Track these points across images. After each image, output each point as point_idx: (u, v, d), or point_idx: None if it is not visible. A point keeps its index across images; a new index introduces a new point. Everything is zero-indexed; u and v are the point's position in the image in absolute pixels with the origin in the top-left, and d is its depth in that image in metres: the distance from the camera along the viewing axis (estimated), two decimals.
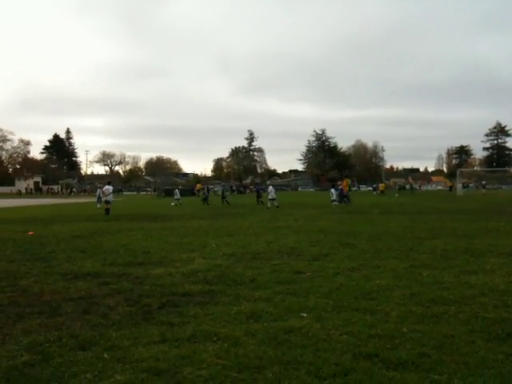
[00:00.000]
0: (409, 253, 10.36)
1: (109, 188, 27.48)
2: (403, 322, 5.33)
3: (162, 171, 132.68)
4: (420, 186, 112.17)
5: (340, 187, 36.15)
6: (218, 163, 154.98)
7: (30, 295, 6.88)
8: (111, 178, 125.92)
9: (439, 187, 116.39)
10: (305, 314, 5.68)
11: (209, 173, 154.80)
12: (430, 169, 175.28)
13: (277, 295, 6.62)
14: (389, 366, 4.13)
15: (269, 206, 30.36)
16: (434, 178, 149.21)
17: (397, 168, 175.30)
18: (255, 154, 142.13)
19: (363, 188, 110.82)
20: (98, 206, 32.16)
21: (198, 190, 70.55)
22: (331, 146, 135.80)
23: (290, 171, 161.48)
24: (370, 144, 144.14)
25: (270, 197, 30.91)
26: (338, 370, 4.04)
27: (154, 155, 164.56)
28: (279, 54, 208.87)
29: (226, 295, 6.68)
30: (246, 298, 6.52)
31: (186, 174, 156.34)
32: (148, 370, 4.03)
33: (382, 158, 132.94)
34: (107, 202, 26.87)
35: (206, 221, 20.58)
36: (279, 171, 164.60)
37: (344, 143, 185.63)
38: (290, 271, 8.40)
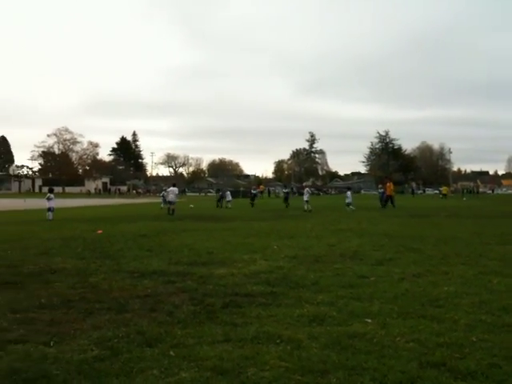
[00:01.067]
0: (478, 259, 9.98)
1: (174, 189, 28.25)
2: (472, 331, 5.13)
3: (223, 173, 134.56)
4: (493, 190, 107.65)
5: (381, 190, 35.44)
6: (279, 165, 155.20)
7: (99, 292, 7.14)
8: (175, 179, 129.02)
9: (510, 191, 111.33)
10: (369, 320, 5.58)
11: (270, 174, 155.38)
12: (500, 172, 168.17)
13: (340, 299, 6.54)
14: (457, 376, 3.99)
15: (305, 208, 29.88)
16: (504, 182, 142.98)
17: (465, 171, 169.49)
18: (316, 155, 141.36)
19: (429, 191, 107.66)
20: (162, 206, 33.02)
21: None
22: (395, 147, 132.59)
23: (353, 173, 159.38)
24: (435, 146, 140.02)
25: (305, 198, 30.57)
26: (403, 378, 3.94)
27: (216, 157, 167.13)
28: (340, 54, 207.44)
29: (288, 297, 6.67)
30: (308, 300, 6.48)
31: (248, 176, 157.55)
32: (212, 369, 4.08)
33: (448, 161, 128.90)
34: (170, 202, 27.59)
35: (267, 222, 20.65)
36: (341, 173, 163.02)
37: (408, 145, 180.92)
38: (353, 275, 8.28)
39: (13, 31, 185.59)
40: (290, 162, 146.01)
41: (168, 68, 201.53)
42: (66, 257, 10.52)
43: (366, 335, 5.00)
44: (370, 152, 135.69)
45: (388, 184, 34.92)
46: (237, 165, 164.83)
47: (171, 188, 29.04)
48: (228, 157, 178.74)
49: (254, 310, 6.02)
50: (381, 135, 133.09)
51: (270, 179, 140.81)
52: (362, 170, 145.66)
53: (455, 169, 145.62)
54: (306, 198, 30.68)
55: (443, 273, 8.49)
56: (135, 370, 4.08)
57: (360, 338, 4.93)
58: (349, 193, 30.95)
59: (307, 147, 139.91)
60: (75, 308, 6.17)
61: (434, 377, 3.97)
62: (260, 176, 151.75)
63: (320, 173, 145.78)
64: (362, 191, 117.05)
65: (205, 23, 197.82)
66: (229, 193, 41.60)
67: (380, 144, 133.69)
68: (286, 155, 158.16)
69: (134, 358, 4.36)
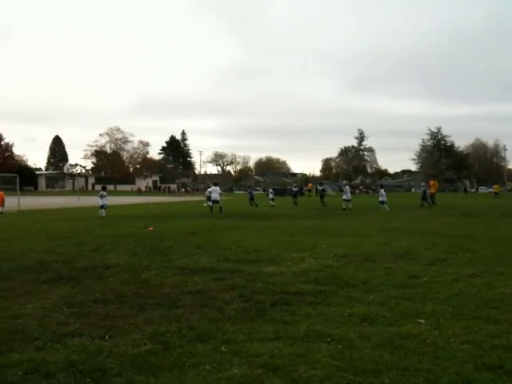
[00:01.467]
0: None
1: (216, 188, 28.67)
2: None
3: (270, 171, 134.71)
4: None
5: (423, 188, 34.47)
6: (327, 163, 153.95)
7: (151, 287, 7.29)
8: (223, 177, 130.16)
9: None
10: (422, 321, 5.46)
11: (317, 173, 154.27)
12: None
13: (391, 299, 6.43)
14: None
15: (343, 206, 29.04)
16: None
17: None
18: (365, 153, 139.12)
19: (483, 189, 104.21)
20: (205, 204, 33.49)
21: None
22: (447, 144, 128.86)
23: (403, 171, 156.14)
24: (490, 143, 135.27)
25: (344, 197, 29.46)
26: (458, 380, 3.84)
27: (263, 155, 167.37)
28: (387, 50, 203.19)
29: (338, 296, 6.61)
30: (358, 300, 6.40)
31: (295, 174, 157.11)
32: (264, 366, 4.10)
33: (503, 158, 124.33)
34: (214, 201, 28.00)
35: (314, 221, 20.54)
36: (391, 171, 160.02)
37: (461, 142, 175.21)
38: (404, 275, 8.12)
39: (68, 35, 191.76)
40: (338, 159, 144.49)
41: (216, 67, 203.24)
42: (119, 253, 10.80)
43: (419, 336, 4.90)
44: (421, 149, 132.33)
45: (432, 182, 34.07)
46: (284, 163, 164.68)
47: (213, 187, 29.57)
48: (275, 155, 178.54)
49: (303, 308, 6.00)
50: (432, 132, 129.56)
51: (317, 177, 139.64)
52: (413, 167, 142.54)
53: (511, 166, 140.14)
54: (346, 196, 29.52)
55: (498, 273, 8.22)
56: (187, 365, 4.15)
57: (413, 338, 4.84)
58: (382, 190, 29.46)
59: (356, 145, 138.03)
60: (128, 303, 6.33)
61: (490, 379, 3.85)
62: (307, 174, 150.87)
63: (369, 171, 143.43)
64: (413, 189, 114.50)
65: (251, 23, 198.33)
66: (271, 190, 41.27)
67: (431, 141, 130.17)
68: (333, 153, 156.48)
69: (186, 353, 4.43)
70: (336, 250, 10.95)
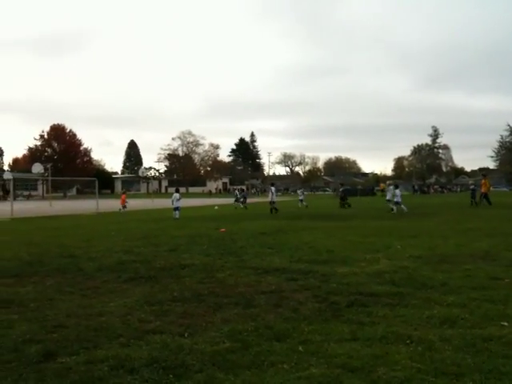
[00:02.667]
0: None
1: (272, 189, 29.57)
2: None
3: (340, 171, 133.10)
4: None
5: (472, 187, 32.80)
6: (399, 162, 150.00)
7: (226, 287, 7.43)
8: (292, 178, 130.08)
9: None
10: (505, 323, 5.24)
11: (389, 172, 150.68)
12: None
13: (472, 301, 6.20)
14: None
15: (394, 209, 27.03)
16: None
17: None
18: (440, 151, 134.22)
19: None
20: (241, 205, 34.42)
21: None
22: None
23: (480, 169, 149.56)
24: None
25: (395, 199, 27.52)
26: None
27: (332, 155, 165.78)
28: (462, 44, 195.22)
29: (416, 298, 6.45)
30: (437, 302, 6.22)
31: (366, 174, 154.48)
32: (342, 366, 4.08)
33: None
34: (272, 202, 28.19)
35: (387, 221, 20.12)
36: (467, 169, 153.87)
37: None
38: (484, 276, 7.81)
39: (141, 40, 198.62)
40: (410, 158, 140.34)
41: (285, 68, 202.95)
42: (194, 253, 11.07)
43: (503, 338, 4.73)
44: (500, 146, 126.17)
45: (483, 181, 32.64)
46: (354, 162, 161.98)
47: (271, 188, 29.98)
48: (345, 155, 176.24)
49: (380, 309, 5.91)
50: (511, 127, 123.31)
51: (389, 177, 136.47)
52: (491, 165, 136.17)
53: None
54: (397, 199, 27.65)
55: None
56: (266, 363, 4.20)
57: (496, 341, 4.67)
58: (397, 191, 27.98)
59: (430, 142, 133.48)
60: (205, 302, 6.48)
61: None
62: (378, 174, 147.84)
63: (444, 169, 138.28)
64: (491, 188, 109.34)
65: (321, 22, 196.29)
66: (302, 190, 39.61)
67: (511, 137, 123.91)
68: (406, 151, 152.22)
69: (264, 352, 4.48)
70: (411, 251, 10.68)
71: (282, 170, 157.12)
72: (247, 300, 6.50)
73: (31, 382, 3.93)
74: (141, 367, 4.19)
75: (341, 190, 39.12)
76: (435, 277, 7.82)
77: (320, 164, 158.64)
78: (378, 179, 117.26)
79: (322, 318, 5.57)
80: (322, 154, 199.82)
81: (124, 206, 33.29)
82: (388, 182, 33.38)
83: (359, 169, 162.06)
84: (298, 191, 39.69)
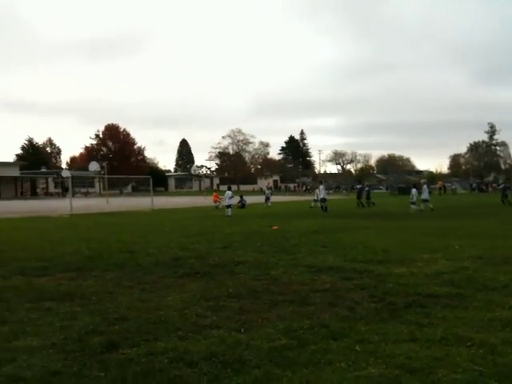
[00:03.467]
0: None
1: (321, 187, 29.40)
2: None
3: (393, 169, 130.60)
4: None
5: (501, 186, 31.24)
6: (455, 159, 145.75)
7: (280, 284, 7.45)
8: (343, 176, 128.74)
9: None
10: None
11: (444, 170, 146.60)
12: None
13: None
14: None
15: (420, 207, 26.43)
16: None
17: None
18: (497, 148, 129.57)
19: None
20: (312, 204, 33.48)
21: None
22: None
23: None
24: None
25: (419, 197, 26.77)
26: None
27: (385, 153, 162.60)
28: None
29: (477, 300, 6.26)
30: (499, 304, 6.02)
31: (420, 172, 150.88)
32: (401, 367, 4.01)
33: None
34: (323, 199, 27.88)
35: (444, 221, 19.61)
36: None
37: None
38: None
39: (193, 43, 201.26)
40: (467, 155, 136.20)
41: (336, 64, 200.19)
42: (247, 250, 11.16)
43: None
44: None
45: None
46: (408, 160, 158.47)
47: (320, 186, 29.96)
48: (398, 152, 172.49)
49: (439, 311, 5.78)
50: None
51: (444, 174, 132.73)
52: None
53: None
54: (424, 196, 27.18)
55: None
56: (323, 362, 4.19)
57: None
58: (414, 190, 27.35)
59: (486, 139, 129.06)
60: (260, 298, 6.53)
61: None
62: (434, 171, 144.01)
63: (502, 167, 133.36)
64: None
65: (372, 16, 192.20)
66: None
67: None
68: (463, 149, 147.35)
69: (321, 350, 4.47)
70: (471, 252, 10.36)
71: (333, 168, 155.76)
72: (302, 298, 6.50)
73: (95, 372, 4.08)
74: (199, 360, 4.27)
75: (358, 187, 37.39)
76: (497, 278, 7.57)
77: (372, 162, 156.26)
78: (433, 177, 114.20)
79: (379, 318, 5.50)
80: (374, 151, 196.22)
81: (218, 202, 33.40)
82: (422, 181, 31.91)
83: (413, 166, 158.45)
84: (358, 186, 35.70)
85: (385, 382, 3.75)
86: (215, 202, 34.09)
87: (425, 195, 27.76)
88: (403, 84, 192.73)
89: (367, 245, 11.92)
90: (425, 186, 28.82)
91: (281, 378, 3.90)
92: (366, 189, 36.42)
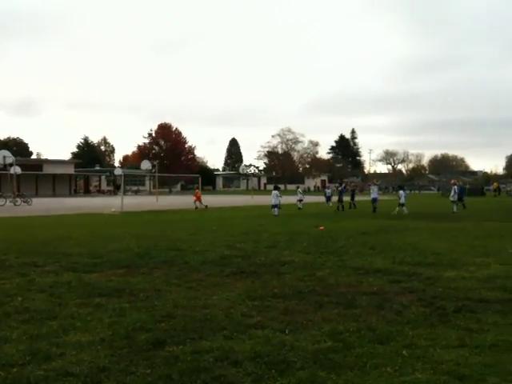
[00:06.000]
0: None
1: (374, 188, 28.99)
2: None
3: (446, 169, 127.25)
4: None
5: None
6: (511, 160, 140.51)
7: (326, 286, 7.40)
8: (393, 176, 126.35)
9: None
10: None
11: (500, 171, 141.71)
12: None
13: None
14: None
15: (398, 210, 25.76)
16: None
17: None
18: None
19: None
20: (330, 204, 33.30)
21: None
22: None
23: None
24: None
25: (400, 201, 26.30)
26: None
27: (438, 152, 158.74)
28: None
29: None
30: None
31: (474, 172, 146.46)
32: (449, 373, 3.92)
33: None
34: (374, 200, 27.49)
35: (498, 223, 18.96)
36: None
37: None
38: None
39: (244, 42, 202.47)
40: None
41: (390, 61, 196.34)
42: (293, 250, 11.13)
43: None
44: None
45: None
46: (462, 160, 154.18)
47: (373, 186, 29.61)
48: (452, 152, 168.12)
49: (490, 316, 5.60)
50: None
51: (500, 175, 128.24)
52: None
53: None
54: (401, 200, 26.49)
55: None
56: (369, 365, 4.13)
57: None
58: (401, 192, 26.82)
59: None
60: (306, 299, 6.50)
61: None
62: (489, 172, 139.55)
63: None
64: None
65: (434, 11, 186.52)
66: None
67: None
68: None
69: (367, 354, 4.41)
70: None
71: (383, 168, 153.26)
72: (348, 300, 6.43)
73: (141, 369, 4.15)
74: (244, 360, 4.29)
75: (339, 188, 35.08)
76: None
77: (424, 162, 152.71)
78: (488, 178, 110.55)
79: (428, 323, 5.37)
80: (427, 151, 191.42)
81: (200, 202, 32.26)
82: (452, 181, 30.69)
83: (467, 167, 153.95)
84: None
85: None
86: (196, 201, 32.43)
87: (453, 196, 27.22)
88: (462, 81, 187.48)
89: (417, 247, 11.67)
90: (455, 187, 28.07)
91: (325, 380, 3.87)
92: (350, 189, 35.07)
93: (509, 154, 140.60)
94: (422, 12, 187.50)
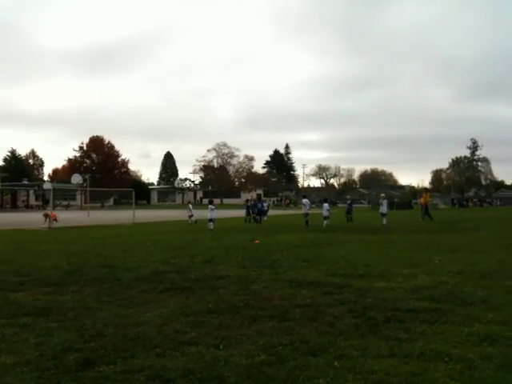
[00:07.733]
0: None
1: (305, 201, 29.48)
2: None
3: (376, 183, 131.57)
4: None
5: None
6: (437, 174, 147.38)
7: (260, 299, 7.40)
8: (326, 190, 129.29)
9: None
10: None
11: (426, 185, 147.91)
12: None
13: None
14: None
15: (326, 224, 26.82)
16: None
17: None
18: (479, 163, 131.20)
19: None
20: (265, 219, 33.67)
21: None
22: None
23: None
24: None
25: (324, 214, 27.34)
26: None
27: (368, 167, 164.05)
28: (504, 56, 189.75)
29: (455, 315, 6.29)
30: (477, 319, 6.05)
31: (402, 187, 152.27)
32: (379, 383, 4.01)
33: None
34: (306, 214, 28.11)
35: (425, 235, 19.74)
36: (507, 183, 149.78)
37: None
38: None
39: (181, 55, 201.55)
40: (449, 171, 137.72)
41: (321, 80, 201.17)
42: (229, 265, 11.10)
43: None
44: None
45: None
46: (390, 175, 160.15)
47: (303, 200, 30.29)
48: (381, 167, 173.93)
49: (418, 326, 5.79)
50: None
51: (426, 190, 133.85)
52: None
53: None
54: (383, 210, 27.89)
55: None
56: (302, 378, 4.16)
57: None
58: (326, 204, 28.07)
59: (468, 155, 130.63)
60: (240, 314, 6.47)
61: None
62: (415, 186, 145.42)
63: (483, 182, 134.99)
64: None
65: (360, 33, 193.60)
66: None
67: None
68: (444, 164, 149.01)
69: (300, 366, 4.44)
70: (450, 266, 10.42)
71: (316, 182, 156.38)
72: (282, 313, 6.46)
73: None
74: (177, 378, 4.21)
75: (348, 203, 37.49)
76: (475, 293, 7.62)
77: (355, 176, 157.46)
78: (415, 192, 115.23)
79: (359, 334, 5.49)
80: (357, 166, 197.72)
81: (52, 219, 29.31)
82: (382, 195, 32.28)
83: (395, 181, 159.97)
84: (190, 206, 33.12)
85: None
86: (48, 218, 29.39)
87: (383, 209, 28.39)
88: (388, 99, 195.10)
89: (349, 259, 11.94)
90: (384, 201, 29.23)
91: None
92: (261, 204, 34.55)
93: (434, 169, 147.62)
94: (352, 33, 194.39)
